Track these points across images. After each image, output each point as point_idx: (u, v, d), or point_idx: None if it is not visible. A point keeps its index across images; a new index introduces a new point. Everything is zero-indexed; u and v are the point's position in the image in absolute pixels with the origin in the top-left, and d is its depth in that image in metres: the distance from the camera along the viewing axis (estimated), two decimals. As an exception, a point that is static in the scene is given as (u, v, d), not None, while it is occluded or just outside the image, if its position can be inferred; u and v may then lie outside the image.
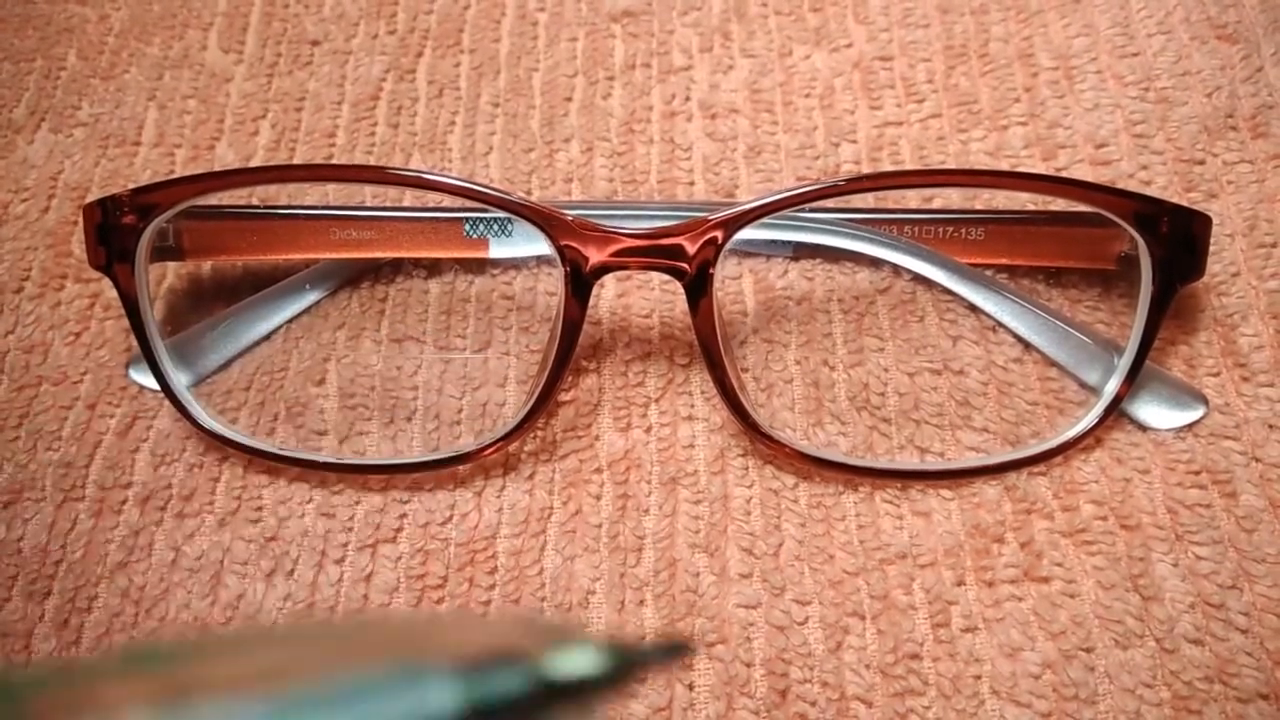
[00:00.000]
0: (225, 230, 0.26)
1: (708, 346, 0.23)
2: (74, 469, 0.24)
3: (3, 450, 0.24)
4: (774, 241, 0.26)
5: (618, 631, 0.21)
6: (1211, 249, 0.24)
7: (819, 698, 0.21)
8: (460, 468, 0.23)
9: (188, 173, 0.29)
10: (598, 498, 0.23)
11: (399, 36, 0.31)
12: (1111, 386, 0.23)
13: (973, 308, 0.25)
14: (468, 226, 0.26)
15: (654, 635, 0.22)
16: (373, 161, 0.29)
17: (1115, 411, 0.23)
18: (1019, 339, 0.25)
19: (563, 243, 0.22)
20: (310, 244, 0.26)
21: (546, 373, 0.23)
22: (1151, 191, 0.26)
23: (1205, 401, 0.23)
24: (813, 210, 0.25)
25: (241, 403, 0.25)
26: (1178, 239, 0.22)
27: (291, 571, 0.22)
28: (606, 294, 0.26)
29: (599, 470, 0.23)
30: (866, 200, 0.27)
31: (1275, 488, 0.22)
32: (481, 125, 0.29)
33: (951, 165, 0.28)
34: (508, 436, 0.23)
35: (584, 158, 0.29)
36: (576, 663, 0.09)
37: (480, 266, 0.27)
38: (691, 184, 0.28)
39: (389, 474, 0.23)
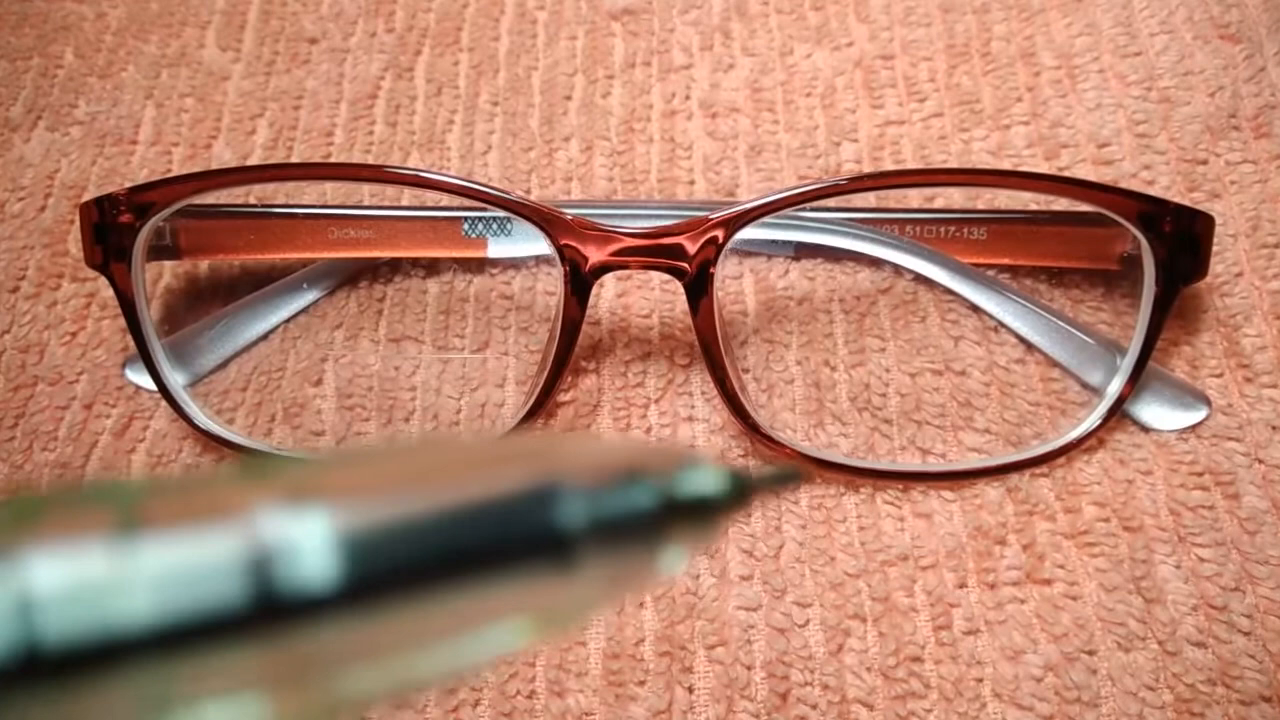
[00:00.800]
0: (222, 229, 0.26)
1: (708, 347, 0.23)
2: (70, 469, 0.24)
3: (-2, 450, 0.24)
4: (775, 241, 0.26)
5: (617, 633, 0.21)
6: (1214, 249, 0.24)
7: (820, 700, 0.20)
8: (459, 468, 0.23)
9: (185, 171, 0.28)
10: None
11: (397, 35, 0.31)
12: (1114, 387, 0.23)
13: (975, 308, 0.25)
14: (466, 226, 0.26)
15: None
16: (371, 160, 0.29)
17: (1118, 412, 0.23)
18: (1021, 339, 0.25)
19: (562, 242, 0.22)
20: (308, 243, 0.26)
21: (546, 373, 0.23)
22: (1154, 191, 0.26)
23: (1208, 402, 0.23)
24: (814, 210, 0.25)
25: (239, 403, 0.25)
26: (1180, 239, 0.22)
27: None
28: (606, 294, 0.26)
29: (598, 471, 0.23)
30: (868, 200, 0.27)
31: (1278, 489, 0.22)
32: (480, 124, 0.29)
33: (953, 165, 0.28)
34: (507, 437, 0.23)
35: (583, 156, 0.28)
36: (701, 482, 0.10)
37: (479, 266, 0.26)
38: (692, 183, 0.28)
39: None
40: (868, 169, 0.28)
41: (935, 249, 0.25)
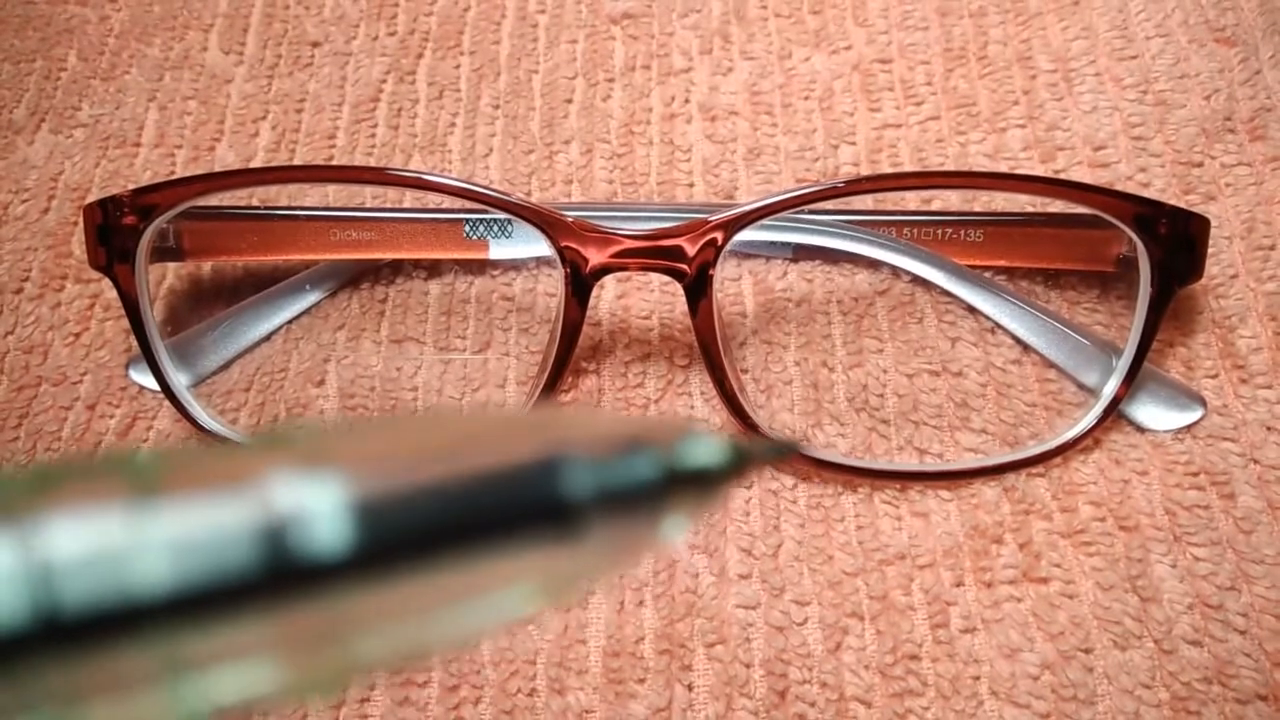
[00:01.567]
0: (225, 231, 0.26)
1: (707, 348, 0.23)
2: (74, 469, 0.24)
3: (2, 451, 0.24)
4: (773, 243, 0.26)
5: (617, 631, 0.21)
6: (1210, 251, 0.24)
7: (818, 698, 0.21)
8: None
9: (188, 174, 0.29)
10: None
11: (399, 38, 0.31)
12: (1110, 388, 0.23)
13: (971, 309, 0.25)
14: (468, 228, 0.26)
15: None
16: (373, 163, 0.29)
17: (1114, 413, 0.23)
18: (1017, 340, 0.25)
19: (563, 244, 0.22)
20: (310, 245, 0.26)
21: (546, 374, 0.23)
22: (1150, 194, 0.26)
23: (1203, 403, 0.24)
24: (812, 212, 0.25)
25: (241, 403, 0.25)
26: (1176, 241, 0.22)
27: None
28: (606, 295, 0.26)
29: (598, 471, 0.23)
30: (866, 202, 0.27)
31: (1273, 489, 0.22)
32: (481, 127, 0.30)
33: (950, 167, 0.28)
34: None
35: (584, 159, 0.29)
36: (702, 453, 0.10)
37: (480, 267, 0.27)
38: (691, 186, 0.28)
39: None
40: (865, 171, 0.28)
41: (932, 251, 0.25)
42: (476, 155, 0.29)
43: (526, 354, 0.25)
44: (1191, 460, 0.23)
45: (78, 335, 0.26)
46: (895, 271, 0.26)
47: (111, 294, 0.25)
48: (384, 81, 0.31)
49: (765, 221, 0.23)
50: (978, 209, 0.27)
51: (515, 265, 0.26)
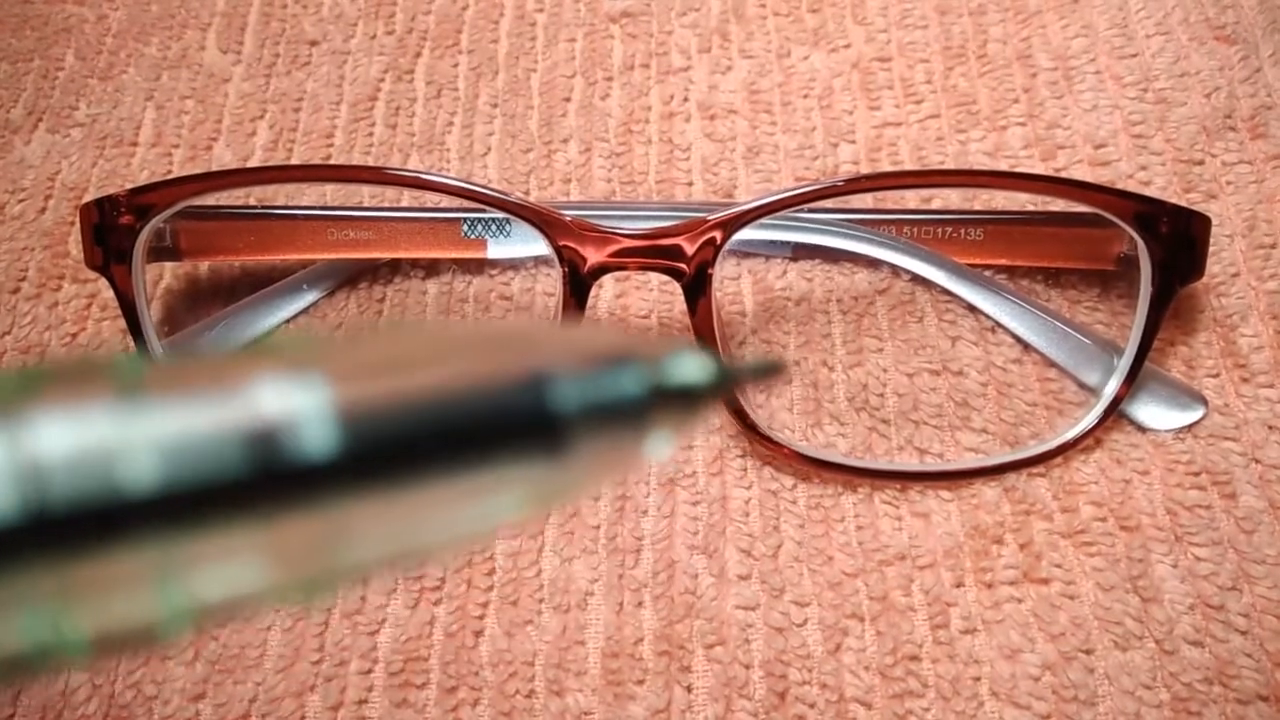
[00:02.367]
0: (222, 231, 0.26)
1: (706, 347, 0.23)
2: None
3: None
4: (773, 242, 0.26)
5: (615, 632, 0.21)
6: (1211, 250, 0.24)
7: (818, 699, 0.21)
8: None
9: (185, 173, 0.29)
10: (596, 499, 0.23)
11: (397, 37, 0.31)
12: (1111, 387, 0.23)
13: (972, 308, 0.25)
14: (466, 227, 0.26)
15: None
16: (371, 162, 0.29)
17: (1114, 412, 0.23)
18: (1018, 340, 0.25)
19: (561, 243, 0.22)
20: (308, 244, 0.26)
21: (544, 373, 0.23)
22: (1150, 192, 0.26)
23: (1205, 402, 0.23)
24: (811, 210, 0.25)
25: (239, 403, 0.25)
26: (1177, 239, 0.22)
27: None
28: (605, 294, 0.26)
29: (597, 471, 0.23)
30: (865, 201, 0.27)
31: (1275, 489, 0.22)
32: (480, 126, 0.29)
33: (950, 166, 0.28)
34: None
35: (582, 158, 0.29)
36: (687, 369, 0.10)
37: (478, 267, 0.26)
38: (690, 184, 0.28)
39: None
40: (865, 170, 0.28)
41: (932, 249, 0.25)
42: (475, 154, 0.29)
43: (525, 354, 0.25)
44: (1193, 460, 0.23)
45: (75, 335, 0.26)
46: (895, 270, 0.26)
47: (108, 294, 0.25)
48: (382, 80, 0.30)
49: (764, 220, 0.22)
50: (978, 207, 0.27)
51: (513, 264, 0.26)
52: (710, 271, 0.22)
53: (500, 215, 0.24)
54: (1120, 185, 0.26)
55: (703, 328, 0.23)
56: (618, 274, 0.24)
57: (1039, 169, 0.27)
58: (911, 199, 0.27)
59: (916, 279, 0.25)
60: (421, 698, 0.21)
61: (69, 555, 0.08)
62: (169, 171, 0.29)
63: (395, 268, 0.27)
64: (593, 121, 0.29)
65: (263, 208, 0.27)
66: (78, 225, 0.28)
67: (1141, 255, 0.22)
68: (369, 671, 0.21)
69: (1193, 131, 0.27)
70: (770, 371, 0.11)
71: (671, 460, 0.23)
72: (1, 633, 0.08)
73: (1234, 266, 0.25)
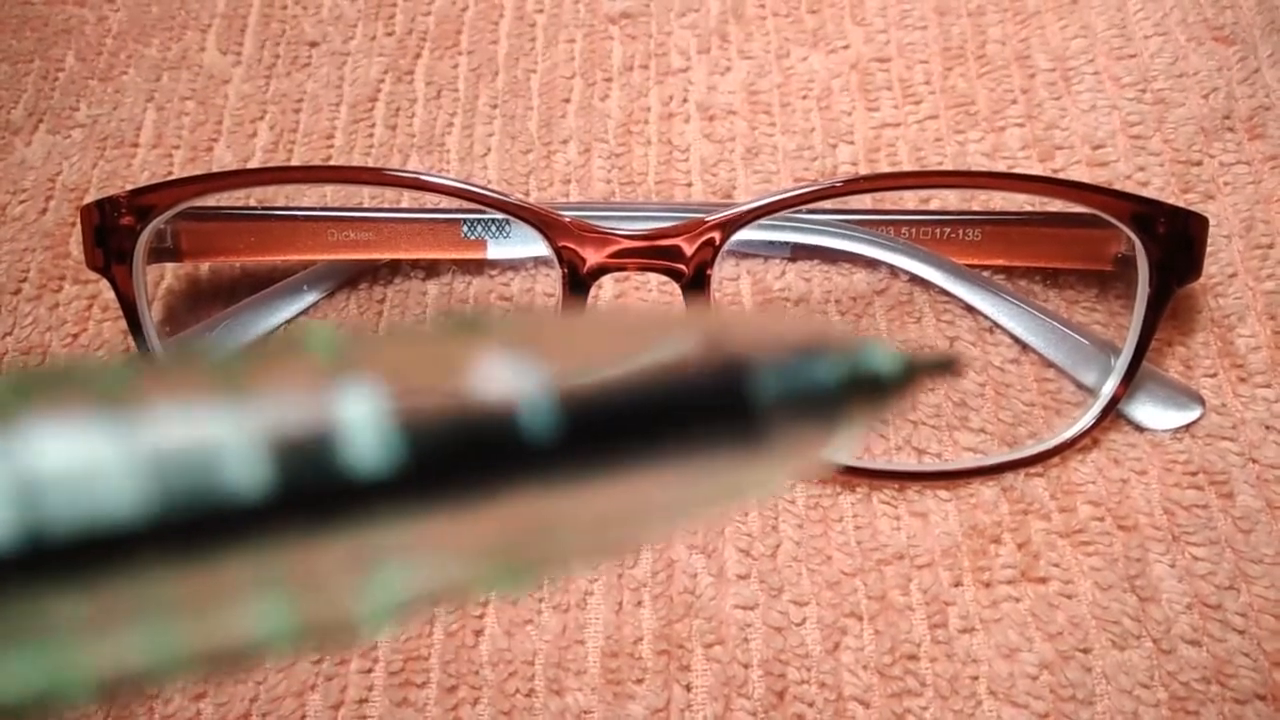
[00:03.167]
0: (223, 232, 0.26)
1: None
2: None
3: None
4: (771, 242, 0.26)
5: (615, 632, 0.21)
6: (1208, 250, 0.24)
7: (816, 698, 0.21)
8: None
9: (186, 174, 0.29)
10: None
11: (397, 38, 0.31)
12: (1108, 387, 0.23)
13: (970, 309, 0.25)
14: (465, 228, 0.26)
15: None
16: (371, 163, 0.29)
17: (1112, 412, 0.23)
18: (1016, 340, 0.25)
19: (560, 244, 0.22)
20: (308, 245, 0.26)
21: (544, 374, 0.23)
22: (1148, 193, 0.26)
23: (1202, 402, 0.24)
24: (810, 211, 0.25)
25: (239, 404, 0.25)
26: (1175, 240, 0.22)
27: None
28: (604, 295, 0.26)
29: (597, 471, 0.23)
30: (864, 201, 0.27)
31: (1272, 488, 0.22)
32: (479, 126, 0.29)
33: (949, 166, 0.28)
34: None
35: (582, 159, 0.29)
36: (882, 359, 0.10)
37: (478, 267, 0.27)
38: (689, 185, 0.28)
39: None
40: (864, 171, 0.28)
41: (931, 250, 0.25)
42: (474, 155, 0.29)
43: (524, 354, 0.25)
44: (1190, 459, 0.23)
45: (76, 336, 0.26)
46: (893, 271, 0.26)
47: (109, 295, 0.25)
48: (382, 81, 0.31)
49: (763, 221, 0.22)
50: (976, 208, 0.27)
51: (513, 265, 0.26)
52: (709, 272, 0.22)
53: (500, 216, 0.25)
54: (1118, 186, 0.27)
55: (702, 328, 0.23)
56: (617, 275, 0.25)
57: (1037, 170, 0.27)
58: (910, 200, 0.27)
59: (915, 279, 0.26)
60: (422, 697, 0.21)
61: (182, 563, 0.07)
62: (169, 173, 0.29)
63: (395, 268, 0.27)
64: (592, 122, 0.29)
65: (263, 209, 0.27)
66: (78, 226, 0.28)
67: (1139, 256, 0.23)
68: (369, 671, 0.21)
69: (1190, 132, 0.27)
70: (949, 366, 0.11)
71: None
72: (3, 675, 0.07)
73: (1231, 267, 0.25)
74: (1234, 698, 0.20)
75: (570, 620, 0.22)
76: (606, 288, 0.26)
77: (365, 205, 0.28)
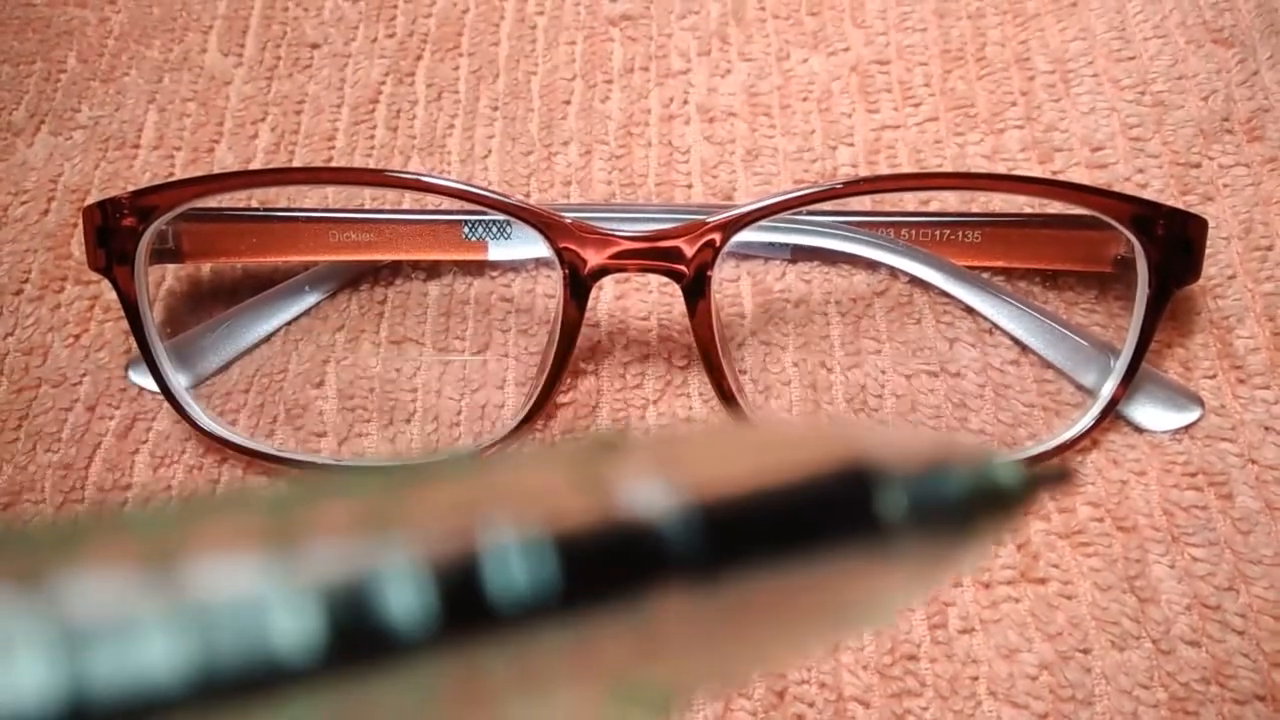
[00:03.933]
0: (224, 233, 0.26)
1: (706, 349, 0.23)
2: (73, 471, 0.24)
3: (2, 452, 0.24)
4: (772, 244, 0.26)
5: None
6: (1207, 252, 0.24)
7: (816, 698, 0.21)
8: (459, 469, 0.23)
9: (187, 175, 0.29)
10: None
11: (398, 40, 0.31)
12: (1108, 389, 0.23)
13: (969, 310, 0.25)
14: (466, 229, 0.26)
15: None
16: (372, 164, 0.29)
17: (1111, 414, 0.23)
18: (1015, 341, 0.25)
19: (561, 245, 0.22)
20: (309, 246, 0.26)
21: (545, 375, 0.23)
22: (1147, 195, 0.26)
23: (1201, 404, 0.24)
24: (810, 213, 0.26)
25: (241, 404, 0.25)
26: (1174, 242, 0.22)
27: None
28: (605, 296, 0.26)
29: (597, 472, 0.23)
30: (864, 203, 0.27)
31: (1271, 489, 0.22)
32: (480, 128, 0.30)
33: (948, 168, 0.28)
34: (506, 438, 0.23)
35: (582, 160, 0.29)
36: (1007, 473, 0.10)
37: (479, 269, 0.27)
38: (689, 187, 0.28)
39: (388, 476, 0.23)
40: (864, 173, 0.28)
41: (930, 252, 0.25)
42: (475, 157, 0.29)
43: (525, 355, 0.25)
44: (1189, 461, 0.23)
45: (77, 337, 0.26)
46: (893, 272, 0.26)
47: (111, 295, 0.25)
48: (383, 83, 0.31)
49: (763, 223, 0.23)
50: (975, 210, 0.27)
51: (514, 266, 0.27)
52: (709, 273, 0.22)
53: (501, 217, 0.25)
54: (1117, 188, 0.27)
55: (702, 330, 0.23)
56: (618, 276, 0.25)
57: (1036, 171, 0.27)
58: (910, 201, 0.27)
59: (914, 281, 0.26)
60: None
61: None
62: (171, 174, 0.29)
63: (396, 270, 0.27)
64: (593, 124, 0.29)
65: (264, 210, 0.27)
66: (80, 227, 0.28)
67: (1138, 257, 0.23)
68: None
69: (1190, 134, 0.28)
70: (1066, 477, 0.11)
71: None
72: None
73: (1230, 268, 0.25)
74: (1233, 698, 0.20)
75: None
76: (607, 289, 0.26)
77: (366, 206, 0.28)
